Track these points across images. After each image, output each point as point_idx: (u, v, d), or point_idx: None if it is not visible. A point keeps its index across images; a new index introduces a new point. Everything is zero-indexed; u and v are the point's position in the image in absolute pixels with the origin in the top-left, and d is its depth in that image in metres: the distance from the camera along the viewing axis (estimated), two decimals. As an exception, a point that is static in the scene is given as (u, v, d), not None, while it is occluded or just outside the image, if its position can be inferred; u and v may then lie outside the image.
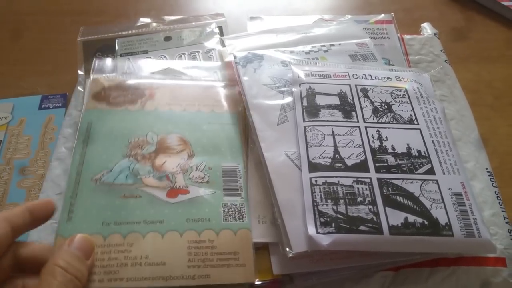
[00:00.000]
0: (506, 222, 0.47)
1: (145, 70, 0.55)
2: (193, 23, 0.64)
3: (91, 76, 0.53)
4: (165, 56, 0.58)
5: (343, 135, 0.45)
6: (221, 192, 0.44)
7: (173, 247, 0.40)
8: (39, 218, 0.37)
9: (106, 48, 0.60)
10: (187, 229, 0.41)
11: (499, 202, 0.48)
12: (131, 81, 0.52)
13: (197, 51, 0.59)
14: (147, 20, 0.65)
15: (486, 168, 0.51)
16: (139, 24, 0.64)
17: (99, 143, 0.46)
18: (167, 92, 0.52)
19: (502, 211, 0.48)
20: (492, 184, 0.50)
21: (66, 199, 0.42)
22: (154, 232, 0.41)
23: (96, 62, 0.55)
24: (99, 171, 0.44)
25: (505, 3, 0.70)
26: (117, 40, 0.60)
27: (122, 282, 0.38)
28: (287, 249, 0.39)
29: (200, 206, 0.43)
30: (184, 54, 0.58)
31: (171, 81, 0.53)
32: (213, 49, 0.59)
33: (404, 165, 0.43)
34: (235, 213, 0.43)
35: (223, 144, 0.48)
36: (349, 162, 0.43)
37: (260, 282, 0.41)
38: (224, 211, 0.43)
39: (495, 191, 0.49)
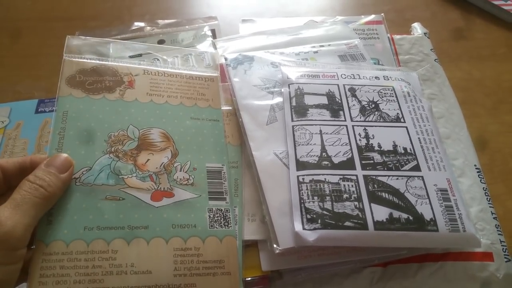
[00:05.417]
0: (494, 218, 0.47)
1: (122, 54, 0.56)
2: (186, 26, 0.64)
3: (64, 57, 0.49)
4: (158, 59, 0.59)
5: (331, 133, 0.46)
6: (206, 196, 0.43)
7: (159, 255, 0.39)
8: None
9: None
10: (172, 236, 0.40)
11: (487, 198, 0.49)
12: (108, 65, 0.49)
13: (190, 54, 0.59)
14: (142, 24, 0.66)
15: (475, 165, 0.52)
16: (133, 28, 0.65)
17: (76, 137, 0.43)
18: (147, 81, 0.49)
19: (490, 207, 0.48)
20: (481, 180, 0.50)
21: None
22: (139, 238, 0.39)
23: (68, 41, 0.52)
24: (78, 168, 0.41)
25: (496, 2, 0.70)
26: (110, 45, 0.61)
27: None
28: (275, 246, 0.40)
29: (185, 210, 0.42)
30: (177, 56, 0.59)
31: (151, 68, 0.51)
32: (205, 52, 0.60)
33: (390, 162, 0.44)
34: (221, 219, 0.42)
35: (207, 142, 0.47)
36: (336, 160, 0.44)
37: (249, 279, 0.42)
38: (209, 216, 0.42)
39: (483, 187, 0.50)
